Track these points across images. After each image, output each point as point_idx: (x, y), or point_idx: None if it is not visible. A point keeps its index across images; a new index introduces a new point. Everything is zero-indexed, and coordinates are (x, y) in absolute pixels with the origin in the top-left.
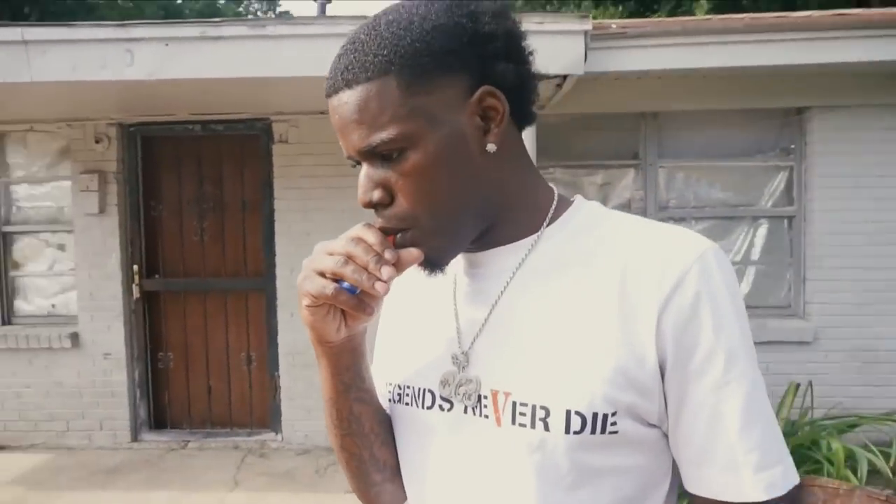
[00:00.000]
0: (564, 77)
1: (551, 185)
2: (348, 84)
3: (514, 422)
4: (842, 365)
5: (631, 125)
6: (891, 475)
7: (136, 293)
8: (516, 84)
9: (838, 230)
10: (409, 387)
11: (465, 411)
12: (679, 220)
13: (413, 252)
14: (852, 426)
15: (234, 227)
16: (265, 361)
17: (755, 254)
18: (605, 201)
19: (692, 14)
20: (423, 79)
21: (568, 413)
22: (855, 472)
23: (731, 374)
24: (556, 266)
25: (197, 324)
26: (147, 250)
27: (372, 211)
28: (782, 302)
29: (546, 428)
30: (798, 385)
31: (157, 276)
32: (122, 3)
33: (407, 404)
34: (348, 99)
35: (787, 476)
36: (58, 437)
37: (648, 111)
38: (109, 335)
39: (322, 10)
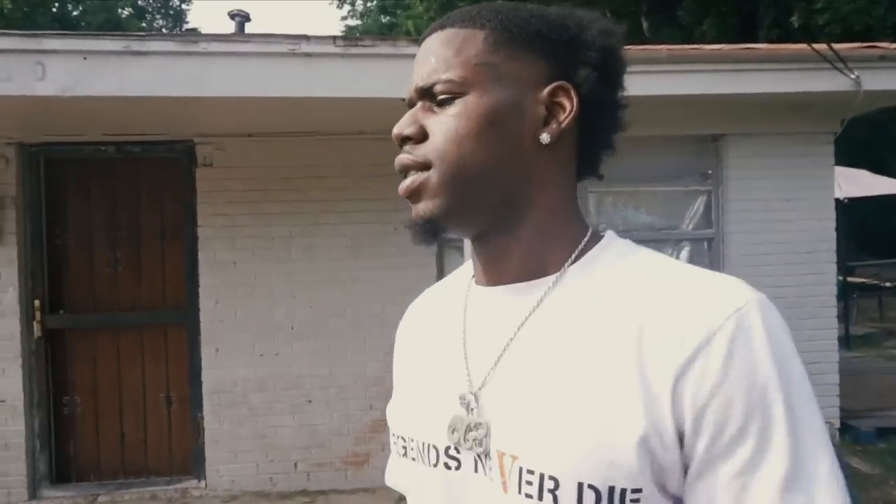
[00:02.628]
0: None
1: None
2: (443, 27)
3: (520, 490)
4: None
5: None
6: None
7: (37, 331)
8: (595, 98)
9: (751, 251)
10: (413, 440)
11: (476, 470)
12: None
13: None
14: None
15: (152, 256)
16: (187, 402)
17: None
18: None
19: None
20: (510, 46)
21: (580, 486)
22: None
23: (764, 455)
24: (576, 312)
25: (108, 363)
26: (51, 283)
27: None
28: None
29: (555, 501)
30: None
31: (62, 311)
32: (8, 15)
33: (413, 459)
34: (436, 37)
35: None
36: None
37: None
38: (4, 379)
39: (241, 28)
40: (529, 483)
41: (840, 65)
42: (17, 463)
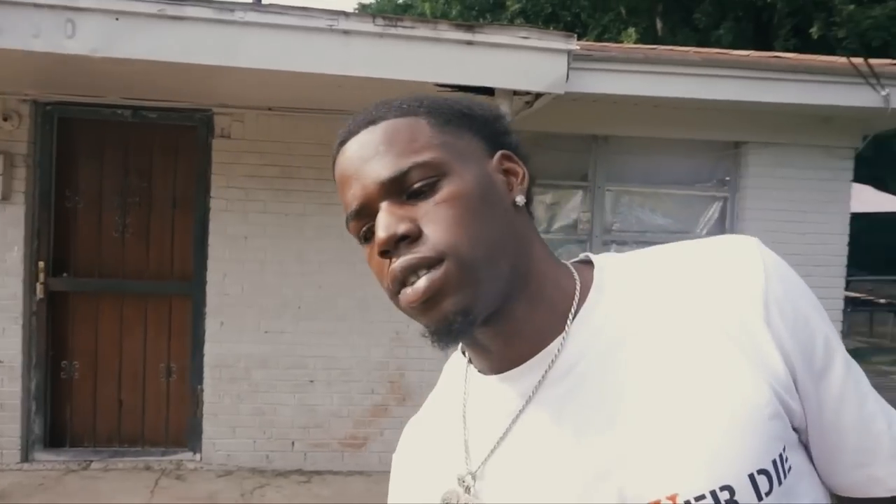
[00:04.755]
0: (537, 95)
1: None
2: (372, 122)
3: None
4: None
5: (582, 147)
6: None
7: (39, 293)
8: (525, 158)
9: None
10: None
11: None
12: (621, 243)
13: None
14: None
15: (162, 225)
16: (187, 373)
17: None
18: (552, 221)
19: (619, 42)
20: (450, 126)
21: (752, 478)
22: None
23: (845, 352)
24: (624, 335)
25: (110, 329)
26: (56, 245)
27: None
28: None
29: None
30: None
31: (65, 274)
32: None
33: None
34: (370, 135)
35: None
36: None
37: (600, 134)
38: (4, 339)
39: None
40: None
41: (873, 80)
42: (12, 424)
